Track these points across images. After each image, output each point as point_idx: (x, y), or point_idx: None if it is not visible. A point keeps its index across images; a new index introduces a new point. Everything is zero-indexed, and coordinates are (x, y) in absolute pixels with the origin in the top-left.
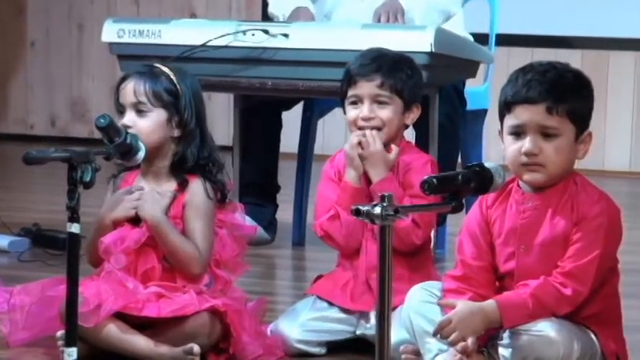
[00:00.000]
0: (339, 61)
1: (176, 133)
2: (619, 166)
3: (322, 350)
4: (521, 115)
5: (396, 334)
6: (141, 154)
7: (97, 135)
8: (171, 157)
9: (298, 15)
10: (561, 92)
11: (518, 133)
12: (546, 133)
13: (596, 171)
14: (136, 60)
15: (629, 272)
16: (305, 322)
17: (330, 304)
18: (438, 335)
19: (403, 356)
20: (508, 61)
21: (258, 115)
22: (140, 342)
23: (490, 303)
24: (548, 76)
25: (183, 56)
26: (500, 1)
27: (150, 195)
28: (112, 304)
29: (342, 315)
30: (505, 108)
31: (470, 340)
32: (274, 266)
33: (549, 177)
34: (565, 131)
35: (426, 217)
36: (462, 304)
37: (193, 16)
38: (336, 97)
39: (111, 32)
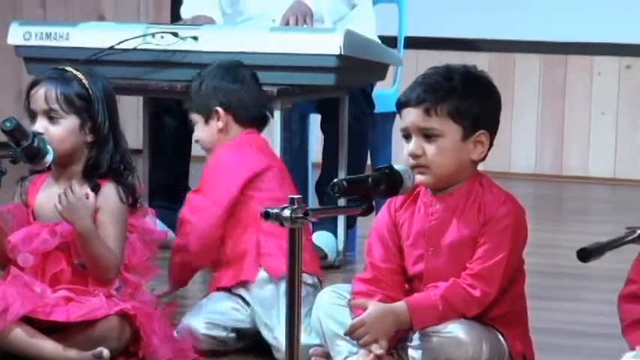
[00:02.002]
0: (247, 64)
1: (89, 138)
2: (525, 168)
3: (231, 335)
4: (406, 117)
5: (306, 337)
6: (49, 158)
7: (3, 138)
8: (85, 161)
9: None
10: (441, 93)
11: (406, 136)
12: (427, 135)
13: (503, 173)
14: (44, 63)
15: (535, 274)
16: (208, 312)
17: (231, 292)
18: (350, 337)
19: (313, 359)
20: (417, 64)
21: (169, 118)
22: (48, 346)
23: (400, 305)
24: (431, 78)
25: (92, 59)
26: (409, 4)
27: (82, 202)
28: (19, 308)
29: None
30: (397, 112)
31: (382, 343)
32: None
33: (437, 178)
34: (448, 132)
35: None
36: (374, 306)
37: (101, 18)
38: None
39: (17, 35)
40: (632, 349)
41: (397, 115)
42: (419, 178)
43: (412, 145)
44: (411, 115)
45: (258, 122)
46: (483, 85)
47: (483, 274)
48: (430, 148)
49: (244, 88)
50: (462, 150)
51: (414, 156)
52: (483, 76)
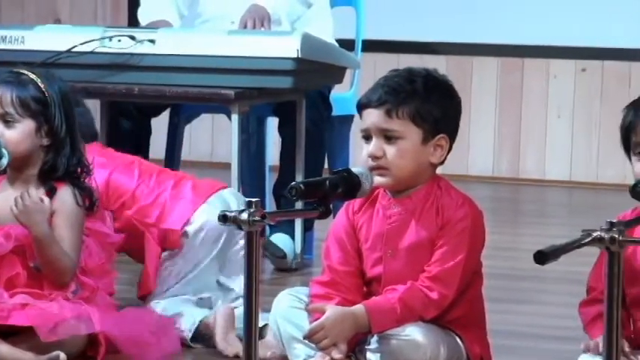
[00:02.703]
0: (205, 67)
1: (45, 142)
2: (482, 171)
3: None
4: (366, 119)
5: None
6: (4, 161)
7: None
8: (41, 165)
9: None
10: (403, 96)
11: (366, 137)
12: (388, 136)
13: (461, 176)
14: None
15: (493, 276)
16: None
17: None
18: (309, 340)
19: None
20: (374, 67)
21: (127, 120)
22: (3, 350)
23: (359, 308)
24: (393, 81)
25: (49, 62)
26: (366, 7)
27: (38, 206)
28: None
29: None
30: (358, 113)
31: (341, 347)
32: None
33: (396, 180)
34: (408, 134)
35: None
36: (332, 310)
37: (58, 21)
38: (201, 103)
39: None
40: (591, 339)
41: (355, 119)
42: (378, 179)
43: (372, 146)
44: (372, 116)
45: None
46: (445, 89)
47: (441, 276)
48: (390, 150)
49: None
50: (421, 153)
51: (373, 157)
52: (445, 80)
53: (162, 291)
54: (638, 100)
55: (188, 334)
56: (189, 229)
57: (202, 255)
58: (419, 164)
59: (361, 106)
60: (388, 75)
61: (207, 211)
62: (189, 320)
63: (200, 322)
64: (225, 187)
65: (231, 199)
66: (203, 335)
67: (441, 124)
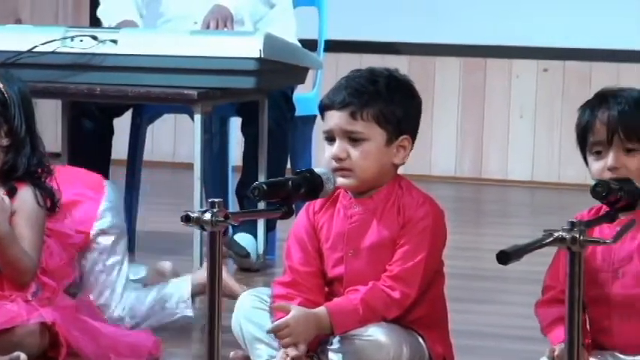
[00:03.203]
0: (167, 67)
1: (5, 142)
2: (445, 171)
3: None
4: (329, 120)
5: None
6: None
7: None
8: (1, 165)
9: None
10: (367, 97)
11: (329, 138)
12: (352, 138)
13: (423, 176)
14: None
15: (455, 276)
16: None
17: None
18: (273, 335)
19: None
20: (337, 67)
21: (88, 121)
22: None
23: (321, 310)
24: (356, 82)
25: (9, 62)
26: (329, 7)
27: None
28: None
29: None
30: (320, 114)
31: (301, 347)
32: None
33: (360, 181)
34: (373, 136)
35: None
36: (297, 310)
37: (18, 21)
38: (164, 103)
39: None
40: (553, 345)
41: (317, 119)
42: (341, 181)
43: (336, 147)
44: (336, 118)
45: None
46: (407, 90)
47: (403, 275)
48: (354, 152)
49: None
50: (385, 154)
51: (337, 159)
52: (406, 80)
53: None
54: (592, 100)
55: (188, 303)
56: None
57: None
58: (382, 165)
59: (324, 108)
60: (350, 75)
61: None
62: (179, 291)
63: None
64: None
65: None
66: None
67: (403, 125)
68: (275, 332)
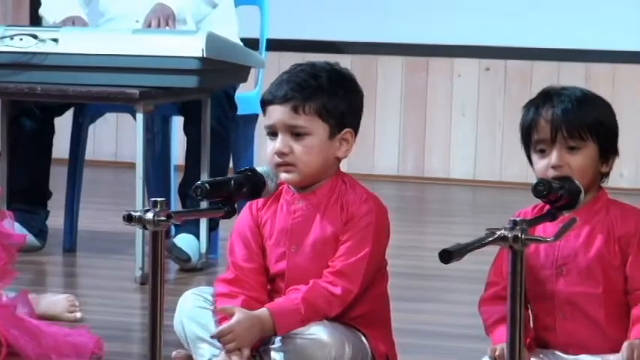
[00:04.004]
0: (109, 66)
1: None
2: (387, 170)
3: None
4: (271, 115)
5: None
6: None
7: None
8: None
9: (72, 24)
10: (309, 91)
11: (271, 133)
12: (295, 133)
13: (366, 175)
14: None
15: (398, 275)
16: None
17: None
18: (217, 339)
19: None
20: (279, 66)
21: (29, 120)
22: None
23: (263, 312)
24: (298, 76)
25: None
26: (271, 6)
27: None
28: None
29: None
30: (262, 109)
31: (245, 352)
32: (45, 273)
33: (303, 176)
34: (315, 130)
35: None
36: (241, 314)
37: None
38: (106, 102)
39: None
40: (495, 344)
41: (260, 118)
42: (284, 176)
43: (279, 143)
44: (278, 113)
45: None
46: (349, 83)
47: (345, 270)
48: (297, 146)
49: None
50: (328, 148)
51: (280, 154)
52: (348, 73)
53: None
54: (537, 98)
55: None
56: None
57: None
58: (325, 159)
59: (265, 103)
60: (291, 70)
61: None
62: None
63: None
64: None
65: None
66: None
67: (346, 119)
68: (219, 337)
